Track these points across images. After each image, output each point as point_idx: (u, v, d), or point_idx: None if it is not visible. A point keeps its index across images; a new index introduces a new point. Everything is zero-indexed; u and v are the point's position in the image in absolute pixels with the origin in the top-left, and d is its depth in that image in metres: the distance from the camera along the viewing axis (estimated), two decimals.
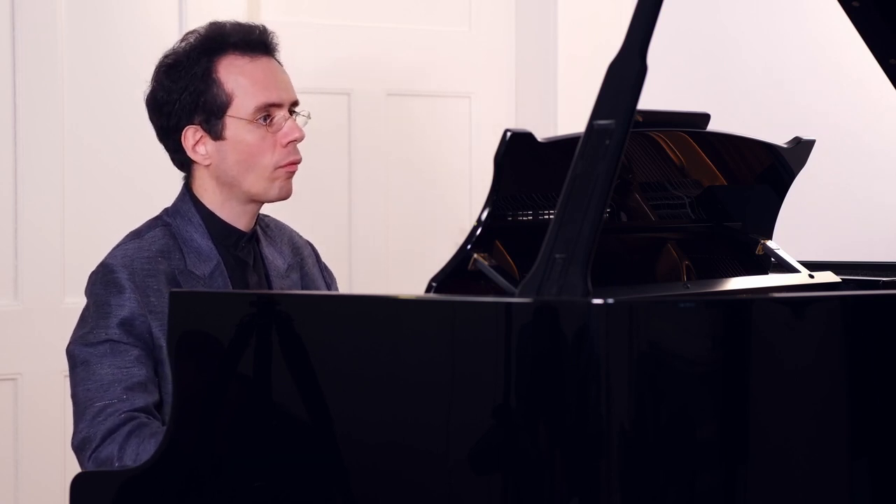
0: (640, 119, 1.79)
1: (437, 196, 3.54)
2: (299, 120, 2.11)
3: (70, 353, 2.02)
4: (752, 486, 1.48)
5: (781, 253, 2.12)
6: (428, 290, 1.65)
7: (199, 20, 3.03)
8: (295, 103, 2.11)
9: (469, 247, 1.67)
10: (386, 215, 3.48)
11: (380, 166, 3.46)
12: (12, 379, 2.98)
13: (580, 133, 1.48)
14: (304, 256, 2.28)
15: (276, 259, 2.19)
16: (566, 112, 3.48)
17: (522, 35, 3.60)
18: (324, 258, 2.35)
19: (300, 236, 2.31)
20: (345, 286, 3.09)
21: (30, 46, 2.97)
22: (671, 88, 3.34)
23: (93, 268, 2.06)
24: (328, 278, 2.33)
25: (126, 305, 1.99)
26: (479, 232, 1.68)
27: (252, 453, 1.64)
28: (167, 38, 3.10)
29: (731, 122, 2.23)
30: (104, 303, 2.01)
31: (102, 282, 2.03)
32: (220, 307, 1.72)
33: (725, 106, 3.36)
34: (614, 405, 1.40)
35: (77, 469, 1.94)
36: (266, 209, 2.21)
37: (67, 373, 2.44)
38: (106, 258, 2.06)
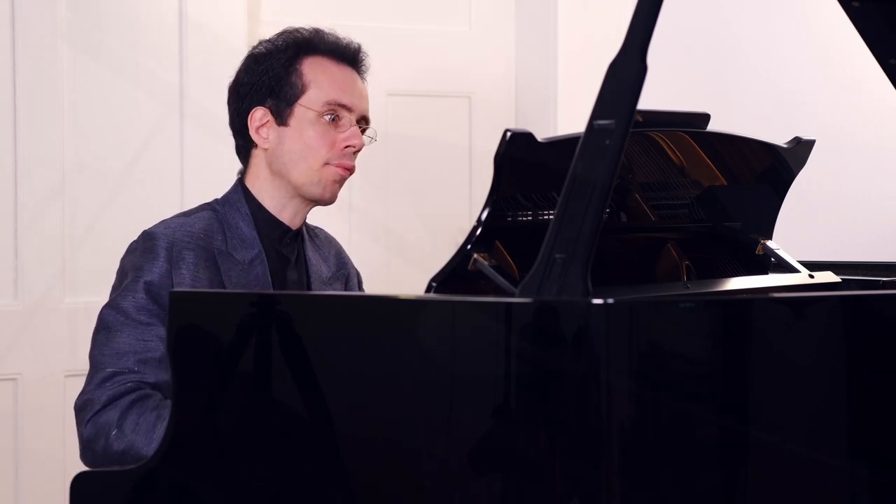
0: (640, 119, 1.79)
1: (437, 196, 3.54)
2: (364, 138, 2.15)
3: (100, 315, 2.03)
4: (752, 486, 1.48)
5: (781, 253, 2.12)
6: (428, 290, 1.65)
7: (199, 20, 3.05)
8: (366, 119, 2.15)
9: (469, 247, 1.67)
10: (386, 215, 3.48)
11: (380, 166, 3.45)
12: (12, 379, 2.98)
13: (580, 133, 1.48)
14: (350, 274, 2.31)
15: (319, 265, 2.22)
16: (566, 112, 3.48)
17: (522, 35, 3.60)
18: None
19: (348, 256, 2.35)
20: None
21: (30, 46, 2.97)
22: (670, 88, 3.34)
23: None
24: None
25: (156, 271, 2.01)
26: (479, 232, 1.67)
27: (252, 454, 1.64)
28: (167, 38, 3.12)
29: (731, 122, 2.23)
30: (138, 266, 2.03)
31: (141, 248, 2.04)
32: (220, 307, 1.72)
33: (725, 106, 3.36)
34: (614, 405, 1.40)
35: (77, 469, 1.94)
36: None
37: (67, 373, 2.46)
38: (148, 228, 2.08)
